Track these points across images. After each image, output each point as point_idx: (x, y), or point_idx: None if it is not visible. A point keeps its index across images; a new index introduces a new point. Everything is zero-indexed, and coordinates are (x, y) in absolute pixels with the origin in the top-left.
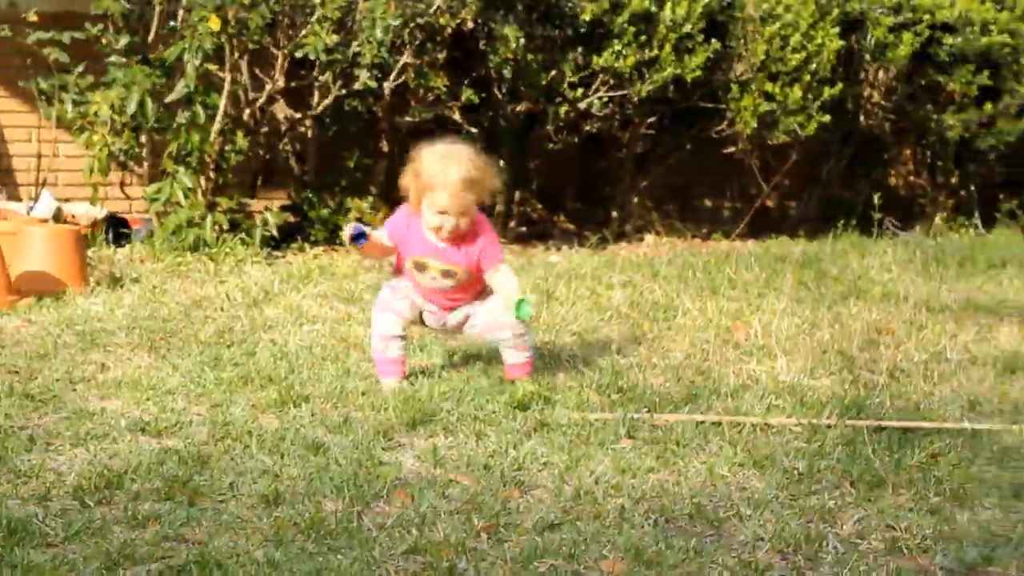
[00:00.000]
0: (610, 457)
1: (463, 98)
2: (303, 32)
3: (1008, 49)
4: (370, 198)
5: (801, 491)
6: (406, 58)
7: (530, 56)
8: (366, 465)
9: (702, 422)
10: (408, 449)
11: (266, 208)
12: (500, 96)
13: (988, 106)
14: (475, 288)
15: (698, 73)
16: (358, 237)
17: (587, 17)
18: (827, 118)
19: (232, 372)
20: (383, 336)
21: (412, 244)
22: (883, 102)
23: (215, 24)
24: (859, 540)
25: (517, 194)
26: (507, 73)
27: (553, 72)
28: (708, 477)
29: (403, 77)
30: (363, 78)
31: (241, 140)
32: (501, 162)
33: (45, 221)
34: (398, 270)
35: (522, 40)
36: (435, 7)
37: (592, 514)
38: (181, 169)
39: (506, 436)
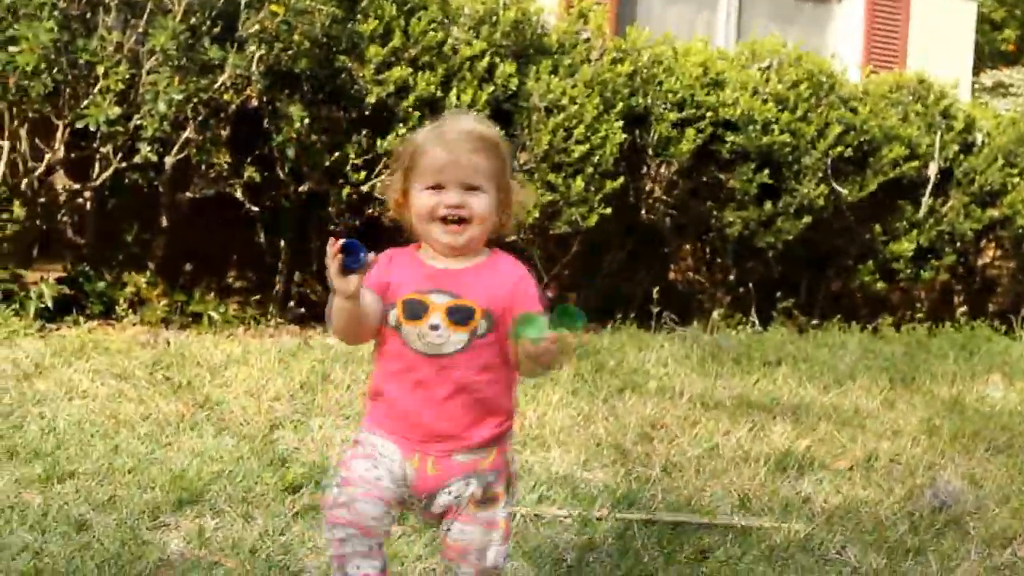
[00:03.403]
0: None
1: (245, 176)
2: (85, 103)
3: (788, 149)
4: (148, 273)
5: None
6: (189, 133)
7: (314, 136)
8: (130, 545)
9: None
10: (174, 529)
11: (42, 279)
12: (283, 175)
13: (768, 204)
14: (506, 379)
15: None
16: (354, 253)
17: (372, 100)
18: (608, 211)
19: None
20: (342, 556)
21: (401, 280)
22: (665, 197)
23: None
24: None
25: (297, 274)
26: (291, 153)
27: (337, 154)
28: None
29: (185, 152)
30: (144, 151)
31: (18, 210)
32: (282, 242)
33: None
34: (375, 394)
35: (307, 120)
36: (220, 83)
37: None
38: None
39: (274, 519)
